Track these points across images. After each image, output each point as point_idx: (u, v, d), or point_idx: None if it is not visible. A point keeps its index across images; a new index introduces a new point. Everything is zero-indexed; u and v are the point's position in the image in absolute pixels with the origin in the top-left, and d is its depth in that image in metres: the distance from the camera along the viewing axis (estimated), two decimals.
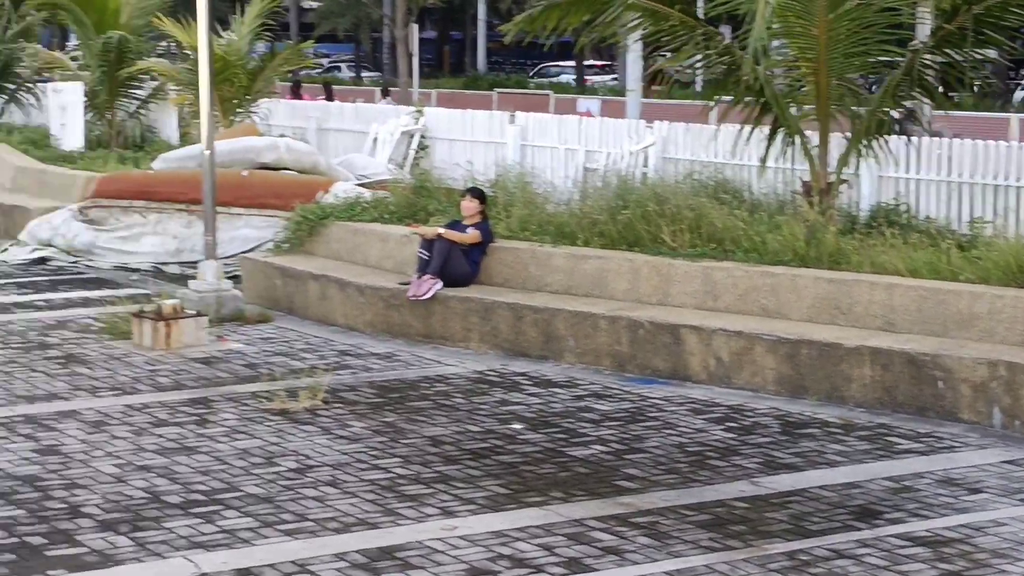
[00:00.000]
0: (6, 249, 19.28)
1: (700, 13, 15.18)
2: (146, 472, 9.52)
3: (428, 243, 14.12)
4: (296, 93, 35.29)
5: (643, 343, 12.69)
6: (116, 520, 8.54)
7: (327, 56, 74.47)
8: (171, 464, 9.71)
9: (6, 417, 10.90)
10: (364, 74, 70.97)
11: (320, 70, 64.10)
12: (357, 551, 8.04)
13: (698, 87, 39.74)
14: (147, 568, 7.81)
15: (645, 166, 18.50)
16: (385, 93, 39.71)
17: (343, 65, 67.28)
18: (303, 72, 45.90)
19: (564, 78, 64.74)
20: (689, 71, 16.62)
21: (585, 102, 40.28)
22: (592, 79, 65.07)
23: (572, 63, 66.03)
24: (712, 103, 15.38)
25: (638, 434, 10.63)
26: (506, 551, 8.07)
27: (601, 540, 8.26)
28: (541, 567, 7.84)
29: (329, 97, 35.07)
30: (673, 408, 11.45)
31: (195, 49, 17.46)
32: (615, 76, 65.63)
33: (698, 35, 14.39)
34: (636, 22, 14.79)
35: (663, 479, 9.50)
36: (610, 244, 13.98)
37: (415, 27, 47.40)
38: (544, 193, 15.94)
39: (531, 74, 67.65)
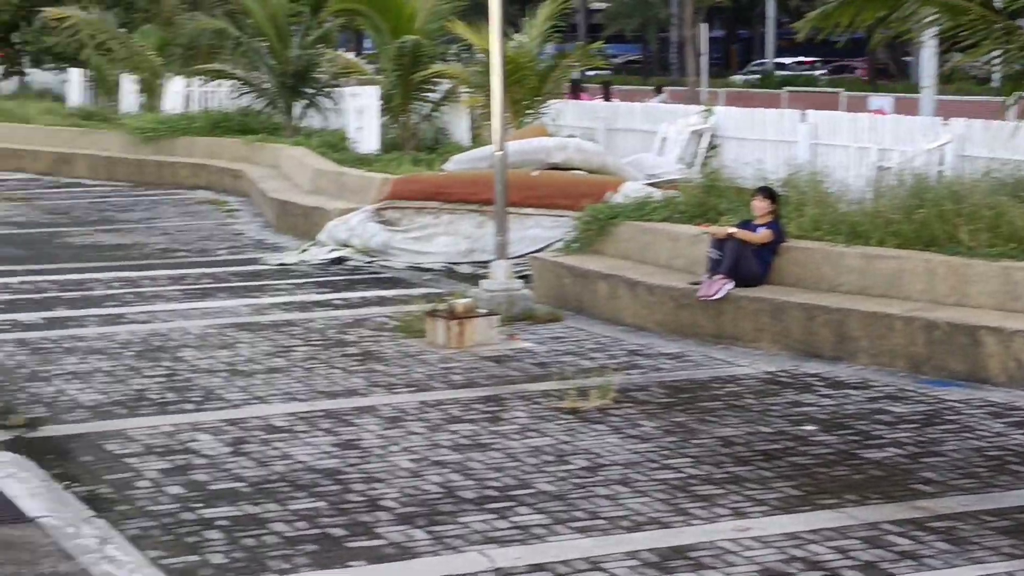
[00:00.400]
0: (306, 249, 19.84)
1: (999, 6, 14.76)
2: (441, 467, 9.70)
3: (719, 243, 14.06)
4: (575, 93, 35.48)
5: (939, 344, 12.40)
6: (413, 514, 8.72)
7: (614, 57, 74.75)
8: (465, 460, 9.87)
9: (307, 412, 11.23)
10: (587, 72, 71.64)
11: (608, 71, 64.57)
12: (649, 550, 8.05)
13: (996, 83, 38.73)
14: (443, 561, 7.95)
15: (941, 164, 18.07)
16: (659, 91, 39.63)
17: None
18: (592, 72, 46.16)
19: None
20: (986, 66, 16.17)
21: (877, 100, 39.52)
22: (795, 74, 64.97)
23: (789, 60, 66.62)
24: (1011, 99, 14.94)
25: (934, 437, 10.40)
26: (799, 553, 7.98)
27: (897, 544, 8.11)
28: (836, 571, 7.73)
29: (607, 97, 35.11)
30: (971, 411, 11.17)
31: (487, 52, 17.68)
32: (823, 72, 65.97)
33: (997, 29, 13.99)
34: (932, 17, 14.47)
35: (961, 483, 9.27)
36: (905, 244, 13.70)
37: (704, 26, 47.20)
38: (836, 192, 15.72)
39: (742, 71, 67.64)
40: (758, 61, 74.81)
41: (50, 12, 36.47)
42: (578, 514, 8.70)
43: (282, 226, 22.72)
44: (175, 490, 9.22)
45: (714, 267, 14.04)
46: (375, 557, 8.02)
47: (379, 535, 8.35)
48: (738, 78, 65.49)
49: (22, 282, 17.76)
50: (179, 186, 29.74)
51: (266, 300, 16.44)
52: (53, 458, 9.97)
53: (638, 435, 10.50)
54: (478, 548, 8.13)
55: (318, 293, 16.97)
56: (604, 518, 8.62)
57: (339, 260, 19.30)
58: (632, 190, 17.83)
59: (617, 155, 21.79)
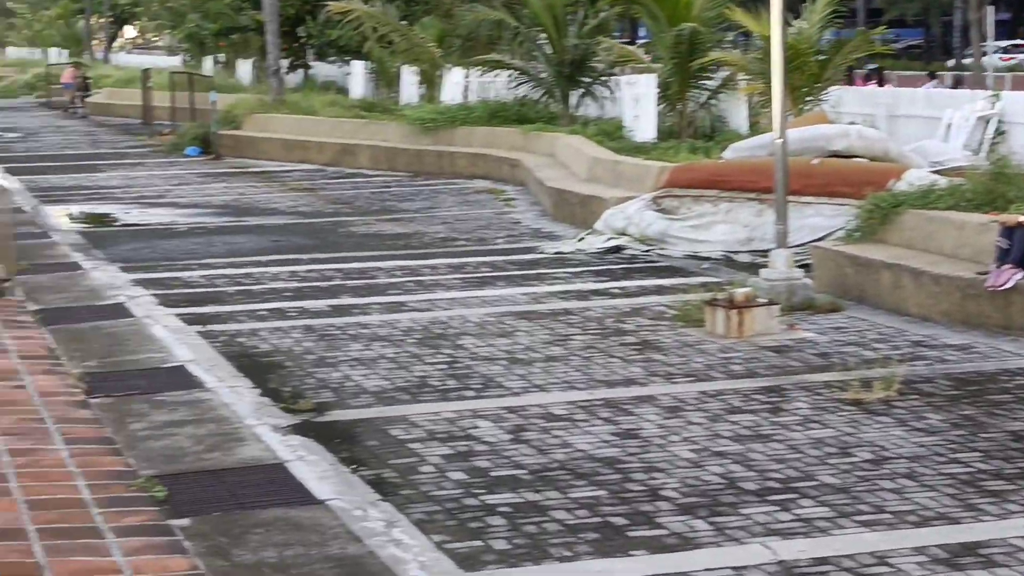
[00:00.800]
0: (582, 238, 19.91)
1: None
2: (722, 458, 9.62)
3: (1008, 231, 13.64)
4: (848, 79, 34.88)
5: None
6: (694, 504, 8.67)
7: (895, 42, 73.42)
8: (746, 451, 9.77)
9: (586, 400, 11.26)
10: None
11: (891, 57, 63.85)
12: (937, 545, 7.85)
13: None
14: (725, 553, 7.88)
15: None
16: (932, 76, 38.65)
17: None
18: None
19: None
20: None
21: None
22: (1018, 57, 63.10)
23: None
24: None
25: None
26: None
27: None
28: None
29: (880, 83, 34.43)
30: None
31: (767, 39, 17.51)
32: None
33: None
34: None
35: None
36: None
37: (990, 9, 45.88)
38: None
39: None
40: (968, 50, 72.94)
41: (334, 6, 37.36)
42: (863, 508, 8.54)
43: (559, 215, 22.84)
44: (457, 476, 9.34)
45: (1003, 256, 13.64)
46: (657, 547, 7.99)
47: (660, 525, 8.32)
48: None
49: (308, 270, 18.22)
50: (457, 176, 30.14)
51: (543, 288, 16.55)
52: (340, 442, 10.19)
53: (924, 428, 10.26)
54: (760, 540, 8.04)
55: (595, 282, 17.01)
56: (890, 512, 8.45)
57: (616, 249, 19.31)
58: (916, 177, 17.44)
59: (899, 142, 21.34)
